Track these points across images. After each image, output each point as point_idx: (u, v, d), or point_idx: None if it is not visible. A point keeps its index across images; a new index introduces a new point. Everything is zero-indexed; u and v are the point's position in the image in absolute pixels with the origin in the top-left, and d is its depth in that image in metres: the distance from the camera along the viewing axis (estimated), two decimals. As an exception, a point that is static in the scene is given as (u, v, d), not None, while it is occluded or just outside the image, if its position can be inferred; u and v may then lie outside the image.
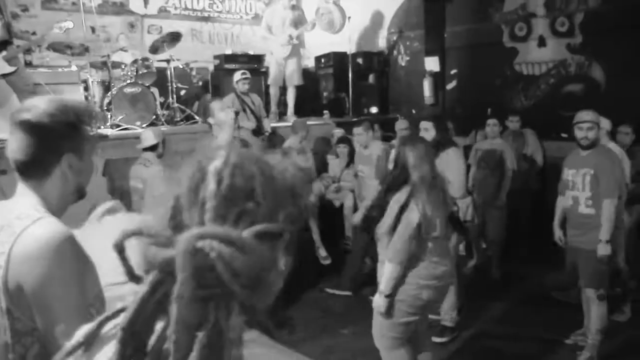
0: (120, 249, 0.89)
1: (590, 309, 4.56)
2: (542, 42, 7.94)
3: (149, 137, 5.41)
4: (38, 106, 1.60)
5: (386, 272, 3.44)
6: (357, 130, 6.45)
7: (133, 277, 0.90)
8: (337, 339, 5.13)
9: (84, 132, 1.67)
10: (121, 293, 2.76)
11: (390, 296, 3.46)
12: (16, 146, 1.57)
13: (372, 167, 5.95)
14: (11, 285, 1.44)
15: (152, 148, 5.34)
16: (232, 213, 0.88)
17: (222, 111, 5.23)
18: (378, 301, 3.51)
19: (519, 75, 8.17)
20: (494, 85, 8.35)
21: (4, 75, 6.13)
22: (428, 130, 5.19)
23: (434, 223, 3.38)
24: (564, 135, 6.89)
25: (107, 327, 0.93)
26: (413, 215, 3.33)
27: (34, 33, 7.49)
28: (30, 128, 1.55)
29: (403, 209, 3.34)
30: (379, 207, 3.51)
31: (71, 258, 1.51)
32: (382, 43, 10.14)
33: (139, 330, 0.83)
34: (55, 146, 1.61)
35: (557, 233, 4.86)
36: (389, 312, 3.49)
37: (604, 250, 4.31)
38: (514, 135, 7.02)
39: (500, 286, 6.23)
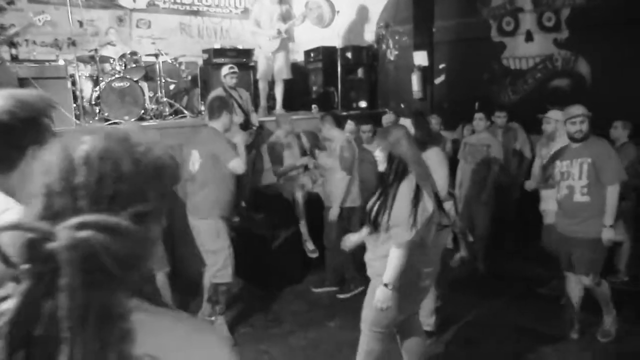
0: None
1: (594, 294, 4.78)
2: (529, 37, 7.99)
3: None
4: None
5: (393, 262, 3.40)
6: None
7: (9, 264, 0.89)
8: (323, 331, 5.19)
9: (46, 124, 1.70)
10: None
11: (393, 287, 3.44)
12: None
13: (336, 159, 5.98)
14: None
15: None
16: (104, 197, 0.91)
17: (226, 112, 5.15)
18: (383, 294, 3.45)
19: (507, 70, 8.23)
20: (481, 80, 8.41)
21: None
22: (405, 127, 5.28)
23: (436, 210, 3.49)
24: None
25: None
26: (429, 204, 3.39)
27: (13, 25, 7.45)
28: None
29: (417, 198, 3.35)
30: (382, 200, 3.50)
31: None
32: (371, 37, 10.18)
33: (24, 321, 0.84)
34: (18, 141, 1.63)
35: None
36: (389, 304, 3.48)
37: (608, 234, 4.45)
38: (503, 130, 7.09)
39: (485, 280, 6.30)
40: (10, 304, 0.85)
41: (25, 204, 0.97)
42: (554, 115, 5.65)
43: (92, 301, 0.84)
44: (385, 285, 3.42)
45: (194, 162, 4.98)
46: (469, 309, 5.49)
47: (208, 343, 1.05)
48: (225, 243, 5.01)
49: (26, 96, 1.71)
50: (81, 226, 0.84)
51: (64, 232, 0.84)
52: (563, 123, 4.94)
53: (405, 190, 3.39)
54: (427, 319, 4.84)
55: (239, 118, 7.11)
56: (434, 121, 7.34)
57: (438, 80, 9.03)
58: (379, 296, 3.46)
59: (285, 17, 8.45)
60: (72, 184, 0.92)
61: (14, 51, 7.54)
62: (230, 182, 5.03)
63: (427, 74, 8.70)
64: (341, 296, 5.99)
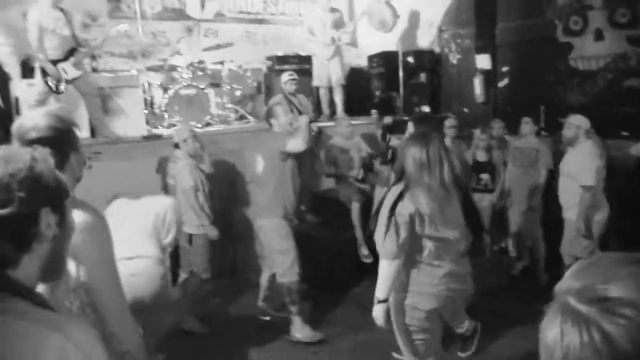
0: None
1: None
2: (599, 36, 7.75)
3: (175, 135, 5.75)
4: (39, 123, 1.98)
5: (380, 273, 3.35)
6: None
7: None
8: (373, 335, 5.23)
9: (75, 133, 2.08)
10: (132, 270, 3.09)
11: (386, 301, 3.38)
12: None
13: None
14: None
15: (176, 146, 5.60)
16: None
17: (285, 115, 5.39)
18: (376, 311, 3.41)
19: (574, 71, 8.01)
20: (547, 82, 8.22)
21: (73, 80, 6.61)
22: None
23: (434, 221, 3.27)
24: (624, 133, 6.76)
25: None
26: (405, 208, 3.24)
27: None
28: (41, 143, 1.83)
29: (396, 202, 3.26)
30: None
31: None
32: (432, 41, 10.16)
33: None
34: (64, 150, 1.98)
35: None
36: (388, 321, 3.44)
37: None
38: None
39: (544, 291, 6.13)
40: None
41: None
42: (575, 120, 5.45)
43: None
44: (379, 301, 3.38)
45: (258, 164, 5.22)
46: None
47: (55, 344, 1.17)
48: (291, 243, 5.21)
49: (60, 111, 2.10)
50: None
51: None
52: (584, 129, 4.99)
53: (389, 196, 3.35)
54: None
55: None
56: (497, 125, 7.30)
57: (501, 83, 8.90)
58: (374, 313, 3.43)
59: (338, 25, 8.64)
60: None
61: (94, 63, 8.08)
62: (292, 184, 5.25)
63: (490, 77, 8.67)
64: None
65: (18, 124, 2.05)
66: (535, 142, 6.46)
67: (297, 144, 5.01)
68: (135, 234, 3.53)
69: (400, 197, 3.28)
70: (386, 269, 3.31)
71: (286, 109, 5.62)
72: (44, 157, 1.33)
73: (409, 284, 3.41)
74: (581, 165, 5.20)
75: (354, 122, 7.76)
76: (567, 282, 0.89)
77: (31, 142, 1.87)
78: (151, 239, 3.64)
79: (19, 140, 1.98)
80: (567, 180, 5.40)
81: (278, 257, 5.23)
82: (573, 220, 5.31)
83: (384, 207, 3.34)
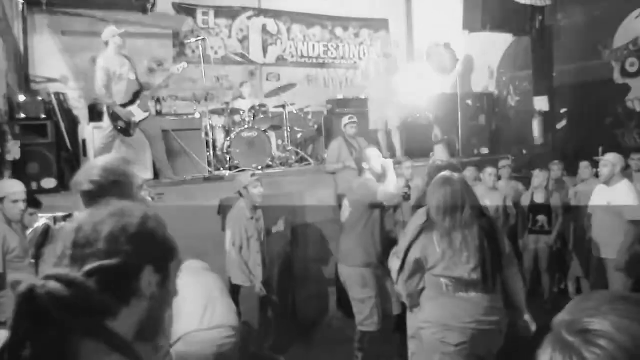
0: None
1: None
2: (656, 77, 7.84)
3: (236, 182, 5.66)
4: (88, 177, 2.24)
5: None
6: None
7: None
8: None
9: (127, 182, 2.29)
10: (201, 339, 3.41)
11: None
12: None
13: None
14: None
15: (240, 194, 5.52)
16: (82, 256, 1.23)
17: (377, 158, 5.24)
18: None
19: (632, 113, 8.07)
20: (605, 124, 8.30)
21: (140, 123, 7.00)
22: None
23: (446, 262, 3.39)
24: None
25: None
26: (415, 252, 3.47)
27: (166, 85, 8.40)
28: (90, 196, 2.17)
29: (412, 242, 3.49)
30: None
31: None
32: (491, 84, 10.36)
33: (13, 350, 1.10)
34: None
35: None
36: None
37: None
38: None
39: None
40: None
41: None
42: (611, 158, 5.58)
43: (42, 339, 1.10)
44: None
45: (345, 210, 5.34)
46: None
47: None
48: (372, 292, 5.09)
49: (109, 163, 2.31)
50: (46, 278, 1.13)
51: (23, 285, 1.12)
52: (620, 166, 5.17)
53: (410, 229, 3.66)
54: None
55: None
56: (556, 167, 7.35)
57: (559, 125, 9.02)
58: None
59: (391, 69, 8.85)
60: (73, 244, 1.26)
61: (158, 107, 8.55)
62: (377, 232, 5.17)
63: (548, 119, 8.79)
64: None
65: (75, 177, 2.31)
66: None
67: (390, 195, 4.93)
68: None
69: (416, 237, 3.47)
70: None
71: (378, 153, 5.43)
72: (157, 217, 1.38)
73: (436, 319, 3.48)
74: (630, 202, 5.34)
75: (416, 164, 7.87)
76: (562, 316, 1.01)
77: (83, 194, 2.18)
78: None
79: (75, 192, 2.26)
80: (610, 217, 5.49)
81: (356, 305, 5.16)
82: (613, 259, 5.44)
83: (403, 241, 3.58)
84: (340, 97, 10.20)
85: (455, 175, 3.64)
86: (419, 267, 3.47)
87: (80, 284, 1.14)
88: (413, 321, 3.79)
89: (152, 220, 1.35)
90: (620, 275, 5.45)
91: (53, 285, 1.11)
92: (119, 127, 6.89)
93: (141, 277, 1.28)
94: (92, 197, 2.11)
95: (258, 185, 5.46)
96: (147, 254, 1.30)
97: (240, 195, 5.50)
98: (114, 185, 2.24)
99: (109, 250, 1.23)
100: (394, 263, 3.64)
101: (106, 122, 6.97)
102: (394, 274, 3.65)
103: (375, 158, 5.20)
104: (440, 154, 7.75)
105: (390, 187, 4.92)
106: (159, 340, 1.55)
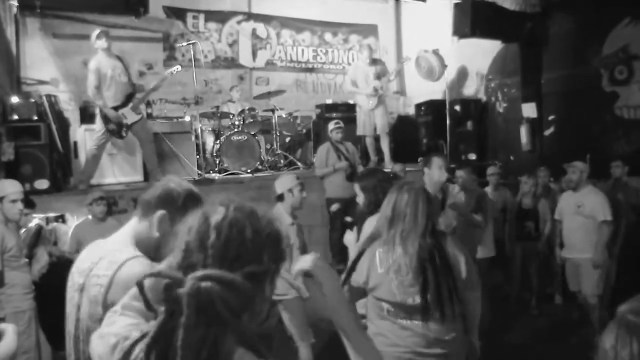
0: (140, 286, 1.23)
1: None
2: (645, 85, 8.00)
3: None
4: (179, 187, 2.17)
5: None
6: None
7: (150, 308, 1.24)
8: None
9: (199, 196, 2.22)
10: None
11: None
12: None
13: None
14: (109, 302, 1.89)
15: (280, 198, 4.83)
16: (228, 258, 1.20)
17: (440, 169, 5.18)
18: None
19: (620, 120, 8.23)
20: (593, 131, 8.46)
21: (132, 125, 7.15)
22: None
23: (388, 285, 2.97)
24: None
25: (136, 351, 1.24)
26: (358, 273, 3.10)
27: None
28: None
29: (357, 259, 3.16)
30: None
31: None
32: (479, 90, 10.55)
33: (157, 347, 1.15)
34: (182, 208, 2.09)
35: None
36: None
37: None
38: (618, 184, 7.03)
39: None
40: (150, 333, 1.17)
41: (169, 256, 1.31)
42: (579, 165, 6.02)
43: (205, 338, 1.11)
44: None
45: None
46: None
47: None
48: None
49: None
50: (205, 278, 1.12)
51: (191, 281, 1.11)
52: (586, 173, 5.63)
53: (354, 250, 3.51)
54: None
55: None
56: (543, 174, 7.50)
57: (547, 132, 9.18)
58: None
59: (380, 75, 8.99)
60: (205, 244, 1.21)
61: (149, 110, 8.68)
62: None
63: (536, 125, 8.98)
64: None
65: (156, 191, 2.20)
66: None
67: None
68: None
69: (360, 254, 3.14)
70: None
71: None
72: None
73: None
74: (599, 204, 5.74)
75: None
76: (628, 304, 1.10)
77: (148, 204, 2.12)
78: None
79: (146, 201, 2.17)
80: (583, 220, 5.83)
81: None
82: (589, 258, 5.76)
83: (357, 249, 3.27)
84: (328, 101, 10.42)
85: (415, 182, 3.30)
86: (362, 290, 3.10)
87: (236, 284, 1.15)
88: None
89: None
90: (596, 272, 5.78)
91: (212, 286, 1.12)
92: (110, 129, 7.03)
93: (275, 280, 1.30)
94: (160, 208, 2.10)
95: (302, 188, 4.91)
96: (280, 256, 1.31)
97: (279, 199, 4.87)
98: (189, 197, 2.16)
99: (253, 253, 1.24)
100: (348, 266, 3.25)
101: (98, 124, 7.11)
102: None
103: (437, 168, 5.16)
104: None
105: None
106: None
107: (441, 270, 2.92)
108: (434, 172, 5.16)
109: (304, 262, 1.78)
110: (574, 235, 5.96)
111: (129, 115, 7.11)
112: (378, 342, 2.85)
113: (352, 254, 3.28)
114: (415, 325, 2.93)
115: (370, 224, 3.46)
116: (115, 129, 7.06)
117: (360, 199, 3.83)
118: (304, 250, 4.75)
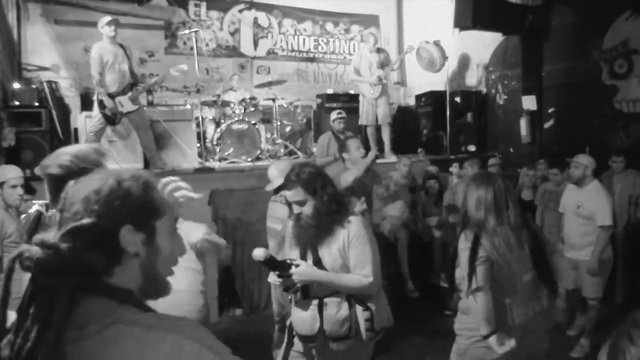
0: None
1: None
2: (644, 79, 7.99)
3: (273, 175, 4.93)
4: (63, 161, 2.20)
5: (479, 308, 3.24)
6: None
7: None
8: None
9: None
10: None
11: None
12: None
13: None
14: None
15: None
16: (66, 224, 1.29)
17: (357, 150, 5.48)
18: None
19: (619, 114, 8.23)
20: (592, 124, 8.45)
21: (127, 114, 7.13)
22: None
23: (506, 268, 3.18)
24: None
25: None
26: (482, 257, 3.20)
27: (157, 75, 8.48)
28: (51, 180, 2.18)
29: (474, 250, 3.20)
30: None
31: None
32: (480, 82, 10.53)
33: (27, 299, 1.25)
34: None
35: None
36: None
37: None
38: (618, 177, 6.99)
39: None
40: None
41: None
42: (583, 160, 5.65)
43: (39, 297, 1.22)
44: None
45: None
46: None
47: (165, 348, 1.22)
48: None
49: (81, 151, 2.26)
50: (31, 244, 1.24)
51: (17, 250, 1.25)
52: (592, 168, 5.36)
53: (462, 245, 3.32)
54: None
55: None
56: (542, 166, 7.51)
57: (547, 124, 9.15)
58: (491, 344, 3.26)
59: (384, 64, 8.99)
60: (59, 210, 1.34)
61: (150, 97, 8.65)
62: None
63: (536, 118, 8.97)
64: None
65: (43, 160, 2.28)
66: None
67: (344, 178, 5.06)
68: None
69: (475, 241, 3.21)
70: (483, 302, 3.22)
71: (359, 144, 5.64)
72: (138, 177, 1.38)
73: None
74: (599, 206, 5.38)
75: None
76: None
77: (49, 178, 2.16)
78: None
79: (42, 175, 2.22)
80: (582, 221, 5.53)
81: None
82: (586, 261, 5.48)
83: (461, 254, 3.30)
84: (330, 91, 10.41)
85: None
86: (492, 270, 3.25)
87: (54, 246, 1.22)
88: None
89: (129, 180, 1.35)
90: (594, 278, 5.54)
91: (35, 250, 1.21)
92: (104, 115, 6.99)
93: (120, 236, 1.29)
94: (59, 182, 2.03)
95: None
96: (121, 212, 1.30)
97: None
98: (82, 172, 2.16)
99: (84, 212, 1.28)
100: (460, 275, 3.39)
101: (95, 110, 7.09)
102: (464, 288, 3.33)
103: (354, 149, 5.44)
104: None
105: (350, 176, 5.10)
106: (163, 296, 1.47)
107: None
108: (354, 154, 5.43)
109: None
110: (573, 234, 5.69)
111: (125, 104, 7.07)
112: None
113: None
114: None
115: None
116: (109, 116, 7.02)
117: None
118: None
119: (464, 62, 10.84)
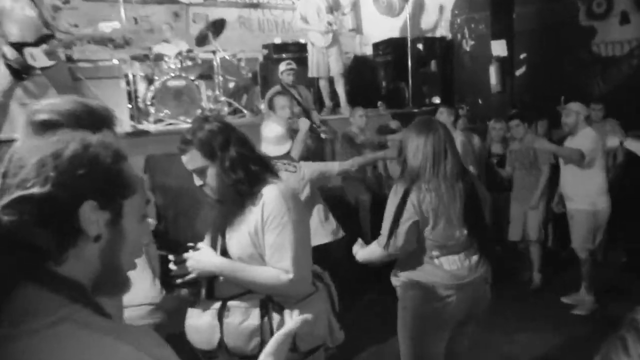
0: None
1: None
2: (624, 19, 7.84)
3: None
4: (59, 107, 1.80)
5: (369, 250, 3.44)
6: None
7: None
8: (390, 341, 5.22)
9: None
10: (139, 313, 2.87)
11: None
12: None
13: None
14: None
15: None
16: (7, 189, 1.12)
17: (283, 109, 5.49)
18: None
19: (597, 58, 8.10)
20: (567, 70, 8.33)
21: (43, 69, 6.47)
22: None
23: (437, 223, 3.17)
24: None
25: None
26: (408, 211, 3.14)
27: (75, 25, 7.88)
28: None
29: (401, 203, 3.15)
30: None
31: None
32: (444, 27, 10.33)
33: None
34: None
35: None
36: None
37: None
38: (596, 126, 6.67)
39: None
40: None
41: None
42: (574, 107, 5.67)
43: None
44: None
45: None
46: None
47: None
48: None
49: (93, 105, 1.89)
50: None
51: None
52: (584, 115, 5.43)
53: (393, 194, 3.26)
54: None
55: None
56: (514, 123, 7.24)
57: (519, 71, 9.07)
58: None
59: (334, 8, 8.58)
60: (3, 174, 1.15)
61: (68, 51, 8.00)
62: None
63: (506, 65, 8.77)
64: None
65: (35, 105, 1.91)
66: (530, 141, 6.28)
67: (296, 148, 4.91)
68: None
69: (405, 196, 3.13)
70: (376, 253, 3.32)
71: (289, 104, 5.67)
72: (108, 144, 1.20)
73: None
74: (591, 150, 5.49)
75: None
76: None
77: (35, 125, 1.79)
78: None
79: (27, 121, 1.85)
80: (574, 169, 5.65)
81: None
82: (582, 210, 5.63)
83: (388, 206, 3.21)
84: (277, 41, 10.02)
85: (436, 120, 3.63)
86: (416, 229, 3.23)
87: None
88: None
89: (98, 146, 1.17)
90: (586, 225, 5.68)
91: None
92: (11, 67, 6.35)
93: (80, 213, 1.13)
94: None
95: None
96: (84, 185, 1.14)
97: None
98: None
99: (36, 178, 1.10)
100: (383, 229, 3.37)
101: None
102: (382, 240, 3.34)
103: (280, 109, 5.63)
104: None
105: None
106: (122, 293, 1.32)
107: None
108: (279, 113, 5.56)
109: None
110: (567, 184, 5.80)
111: (39, 58, 6.39)
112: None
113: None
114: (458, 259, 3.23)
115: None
116: (17, 69, 6.35)
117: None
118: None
119: (426, 5, 10.56)
